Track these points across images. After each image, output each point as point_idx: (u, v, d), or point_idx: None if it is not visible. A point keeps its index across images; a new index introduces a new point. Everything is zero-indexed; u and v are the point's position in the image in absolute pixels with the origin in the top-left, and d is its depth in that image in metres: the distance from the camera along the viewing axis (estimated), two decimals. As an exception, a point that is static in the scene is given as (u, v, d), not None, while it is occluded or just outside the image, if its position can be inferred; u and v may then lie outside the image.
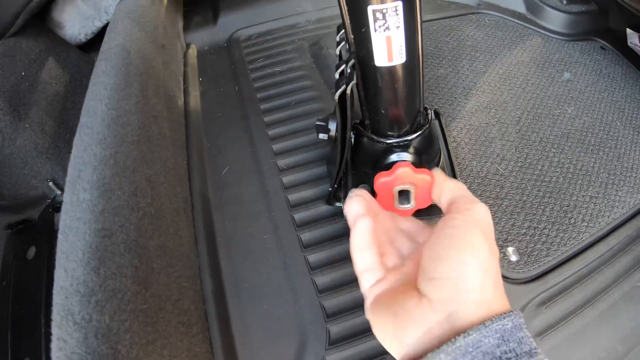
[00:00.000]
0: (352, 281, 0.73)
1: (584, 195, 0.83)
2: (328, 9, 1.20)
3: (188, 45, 1.16)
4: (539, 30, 1.22)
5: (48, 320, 0.85)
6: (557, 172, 0.88)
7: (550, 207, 0.81)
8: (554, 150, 0.92)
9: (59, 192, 1.01)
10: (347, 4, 0.48)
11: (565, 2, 1.18)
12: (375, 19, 0.45)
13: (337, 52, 0.66)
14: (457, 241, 0.37)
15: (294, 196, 0.84)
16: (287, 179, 0.86)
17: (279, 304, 0.70)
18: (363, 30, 0.47)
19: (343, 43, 0.66)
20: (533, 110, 1.00)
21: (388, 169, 0.55)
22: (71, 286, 0.44)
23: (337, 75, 0.57)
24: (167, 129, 0.83)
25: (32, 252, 1.00)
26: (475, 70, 1.08)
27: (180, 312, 0.60)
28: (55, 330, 0.41)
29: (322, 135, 0.71)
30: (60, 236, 0.51)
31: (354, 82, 0.55)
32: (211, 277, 0.74)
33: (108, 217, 0.53)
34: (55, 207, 1.02)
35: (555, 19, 1.20)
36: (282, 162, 0.88)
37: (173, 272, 0.62)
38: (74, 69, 1.13)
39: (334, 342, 0.65)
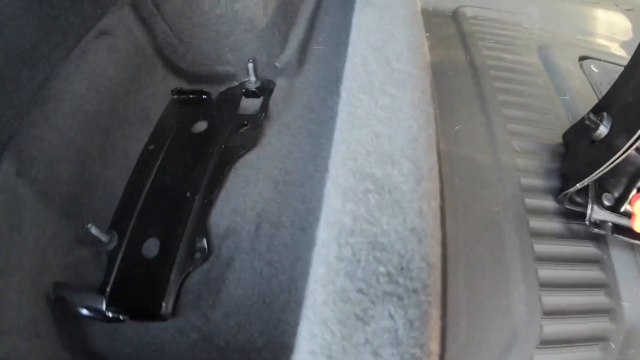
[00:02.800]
0: (580, 285, 0.70)
1: None
2: (552, 23, 1.17)
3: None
4: None
5: (204, 202, 0.74)
6: None
7: None
8: None
9: (253, 78, 0.91)
10: None
11: None
12: None
13: None
14: None
15: (527, 180, 0.79)
16: (522, 161, 0.81)
17: (493, 286, 0.66)
18: None
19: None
20: None
21: None
22: None
23: None
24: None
25: (201, 126, 0.89)
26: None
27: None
28: None
29: (602, 129, 0.69)
30: None
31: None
32: None
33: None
34: (246, 91, 0.91)
35: None
36: (518, 144, 0.83)
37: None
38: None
39: (546, 343, 0.62)
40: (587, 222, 0.71)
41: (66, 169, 0.78)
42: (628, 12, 1.17)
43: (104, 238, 0.78)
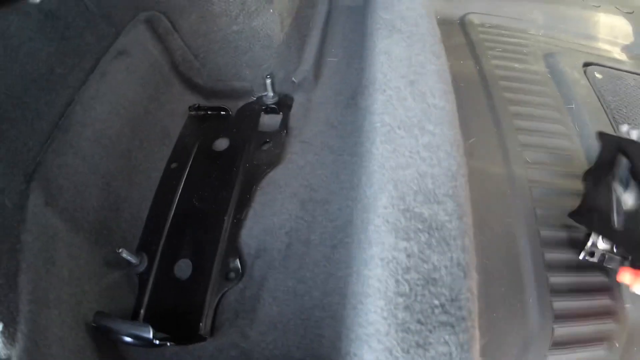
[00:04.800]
0: (586, 289, 0.73)
1: None
2: (556, 29, 1.18)
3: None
4: None
5: (233, 222, 0.74)
6: None
7: None
8: None
9: (271, 93, 0.89)
10: None
11: None
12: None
13: None
14: None
15: (538, 192, 0.81)
16: (533, 172, 0.83)
17: (508, 293, 0.69)
18: None
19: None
20: None
21: None
22: None
23: None
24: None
25: (222, 143, 0.87)
26: None
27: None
28: None
29: None
30: None
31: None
32: None
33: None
34: (265, 108, 0.89)
35: None
36: (529, 155, 0.85)
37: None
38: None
39: (557, 345, 0.66)
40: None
41: (93, 195, 0.76)
42: (628, 14, 1.19)
43: (134, 260, 0.77)
